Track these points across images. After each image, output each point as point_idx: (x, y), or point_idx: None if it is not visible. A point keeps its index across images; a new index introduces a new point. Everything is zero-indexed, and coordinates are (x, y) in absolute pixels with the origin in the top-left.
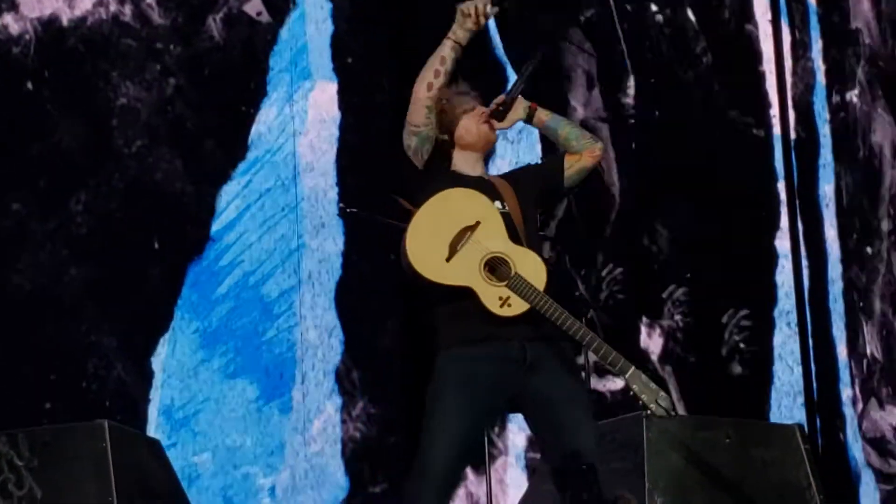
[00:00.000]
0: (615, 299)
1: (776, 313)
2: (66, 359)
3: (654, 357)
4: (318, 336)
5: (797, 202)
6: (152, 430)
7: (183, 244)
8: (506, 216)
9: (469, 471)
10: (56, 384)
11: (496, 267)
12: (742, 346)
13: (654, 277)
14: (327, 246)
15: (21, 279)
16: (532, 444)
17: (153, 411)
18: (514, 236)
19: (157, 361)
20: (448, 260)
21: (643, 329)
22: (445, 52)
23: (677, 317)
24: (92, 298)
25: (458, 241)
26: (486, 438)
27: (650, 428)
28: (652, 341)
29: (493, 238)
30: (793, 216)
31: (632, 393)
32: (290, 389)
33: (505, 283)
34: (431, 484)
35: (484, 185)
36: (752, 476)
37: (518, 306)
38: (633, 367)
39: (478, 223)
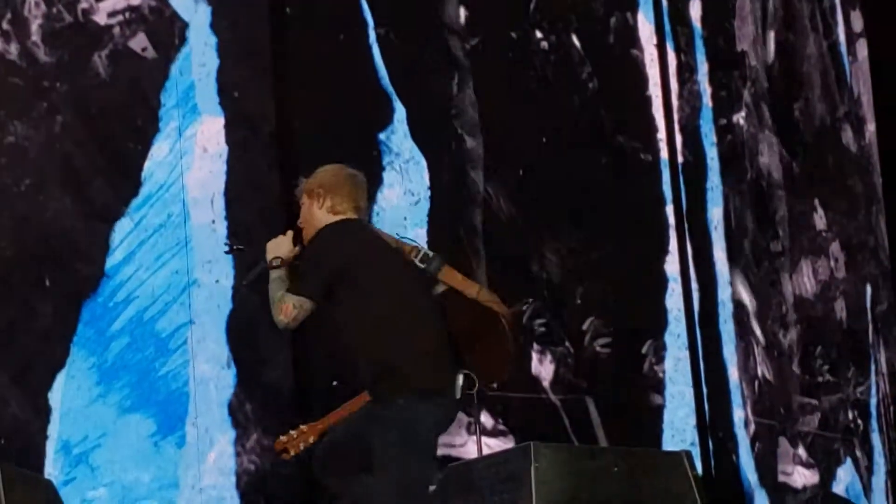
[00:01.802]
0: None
1: (667, 336)
2: None
3: (546, 384)
4: (211, 370)
5: (686, 226)
6: (49, 466)
7: (77, 281)
8: None
9: None
10: None
11: None
12: (633, 371)
13: (544, 304)
14: (217, 281)
15: None
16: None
17: (50, 447)
18: None
19: (54, 397)
20: None
21: (534, 356)
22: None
23: (568, 343)
24: None
25: None
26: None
27: (538, 458)
28: (543, 368)
29: None
30: (682, 240)
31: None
32: (185, 424)
33: None
34: None
35: None
36: None
37: None
38: None
39: None
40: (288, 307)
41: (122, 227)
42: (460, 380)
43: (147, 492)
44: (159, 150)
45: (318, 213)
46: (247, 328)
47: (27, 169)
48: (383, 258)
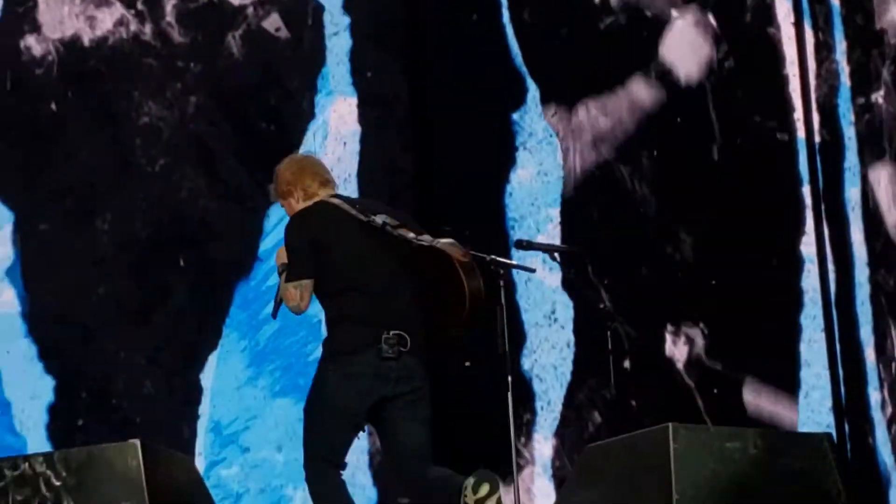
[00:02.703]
0: (639, 309)
1: (802, 318)
2: (95, 376)
3: (680, 365)
4: None
5: (822, 206)
6: (200, 447)
7: (212, 262)
8: None
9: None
10: (87, 400)
11: None
12: (769, 352)
13: (678, 285)
14: None
15: (50, 299)
16: (559, 453)
17: (201, 428)
18: None
19: (206, 378)
20: None
21: (668, 338)
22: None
23: (702, 324)
24: (119, 317)
25: None
26: (513, 449)
27: (677, 439)
28: (677, 349)
29: None
30: (818, 220)
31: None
32: None
33: None
34: None
35: None
36: (780, 486)
37: None
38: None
39: None
40: (291, 293)
41: (277, 212)
42: (386, 340)
43: (295, 474)
44: (295, 132)
45: (298, 206)
46: None
47: (161, 149)
48: (339, 233)
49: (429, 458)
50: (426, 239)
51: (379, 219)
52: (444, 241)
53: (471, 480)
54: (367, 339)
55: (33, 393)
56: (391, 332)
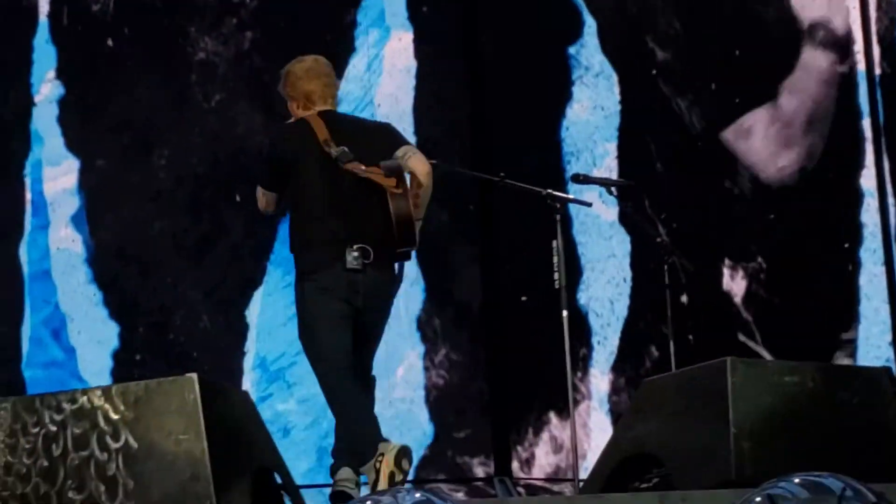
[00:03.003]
0: (697, 243)
1: (862, 252)
2: (153, 312)
3: (738, 300)
4: (401, 286)
5: (882, 139)
6: (247, 382)
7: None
8: None
9: (552, 415)
10: (145, 336)
11: None
12: (827, 286)
13: (736, 219)
14: None
15: (107, 234)
16: (615, 388)
17: (248, 364)
18: None
19: (251, 314)
20: None
21: (726, 272)
22: None
23: (760, 258)
24: (176, 252)
25: None
26: (569, 383)
27: (735, 373)
28: (735, 284)
29: None
30: (878, 154)
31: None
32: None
33: None
34: None
35: None
36: (838, 420)
37: None
38: None
39: None
40: (259, 197)
41: None
42: (350, 253)
43: None
44: (350, 67)
45: (296, 113)
46: (435, 244)
47: (217, 85)
48: (309, 156)
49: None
50: (371, 170)
51: (335, 151)
52: (387, 163)
53: (396, 447)
54: (332, 255)
55: (99, 338)
56: (354, 246)
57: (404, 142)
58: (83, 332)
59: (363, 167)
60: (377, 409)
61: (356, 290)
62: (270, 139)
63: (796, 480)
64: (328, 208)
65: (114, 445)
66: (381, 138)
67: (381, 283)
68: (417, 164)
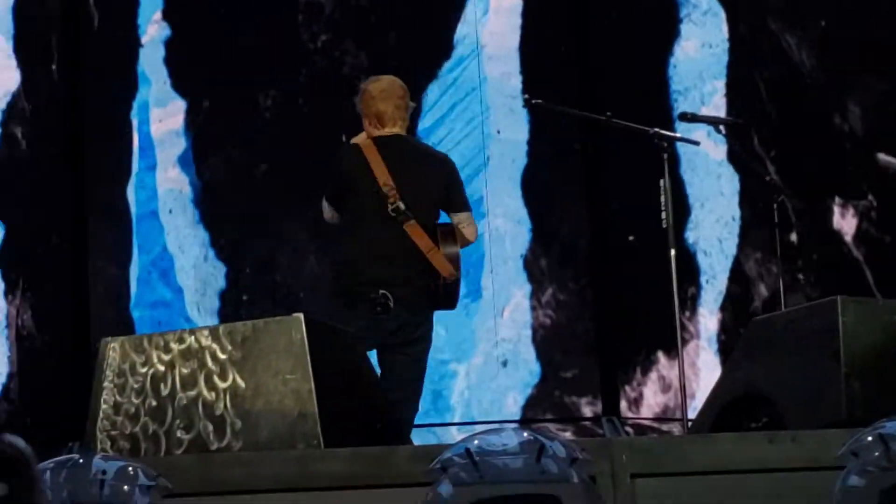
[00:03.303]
0: (806, 181)
1: None
2: (258, 253)
3: (848, 238)
4: (506, 224)
5: None
6: None
7: None
8: None
9: (661, 354)
10: (250, 277)
11: None
12: None
13: (846, 157)
14: (512, 134)
15: (212, 176)
16: (724, 327)
17: None
18: None
19: None
20: None
21: (836, 210)
22: None
23: (871, 196)
24: (282, 192)
25: None
26: (677, 323)
27: (846, 312)
28: (845, 222)
29: None
30: None
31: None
32: (478, 277)
33: None
34: None
35: None
36: None
37: None
38: None
39: None
40: (324, 206)
41: (434, 89)
42: (373, 297)
43: (444, 344)
44: (454, 7)
45: (368, 129)
46: (541, 183)
47: (323, 25)
48: (360, 183)
49: (412, 395)
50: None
51: (392, 206)
52: (448, 252)
53: None
54: (360, 291)
55: (205, 279)
56: (379, 292)
57: (460, 196)
58: (190, 273)
59: (424, 237)
60: (485, 349)
61: (381, 329)
62: (341, 153)
63: None
64: (366, 239)
65: (221, 385)
66: (436, 178)
67: (408, 319)
68: (469, 237)
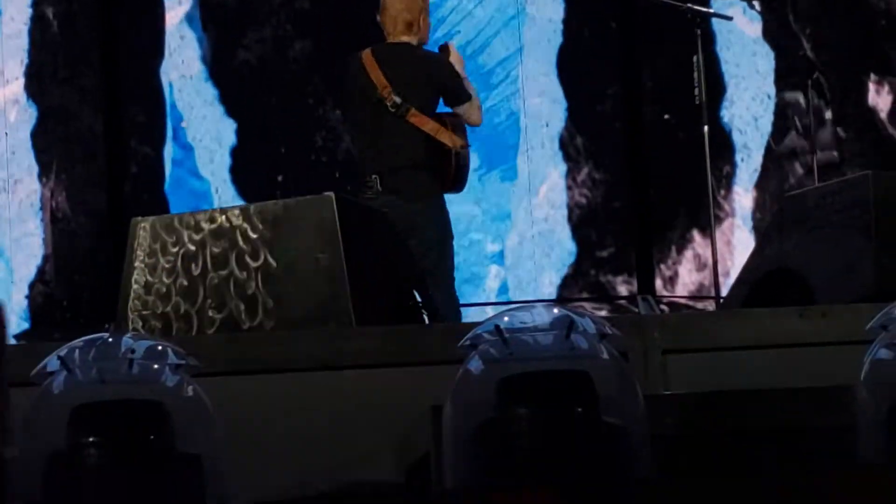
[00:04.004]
0: (842, 58)
1: None
2: (294, 132)
3: (883, 115)
4: (541, 104)
5: None
6: None
7: None
8: None
9: (695, 232)
10: (286, 157)
11: None
12: None
13: (881, 33)
14: (547, 13)
15: (247, 55)
16: (759, 204)
17: None
18: None
19: None
20: None
21: (871, 87)
22: None
23: None
24: (317, 72)
25: None
26: (710, 199)
27: (877, 187)
28: (881, 98)
29: None
30: None
31: None
32: (513, 157)
33: None
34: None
35: None
36: None
37: None
38: None
39: None
40: None
41: None
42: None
43: (479, 224)
44: None
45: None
46: (577, 61)
47: None
48: (362, 91)
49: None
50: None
51: (391, 101)
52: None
53: None
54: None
55: (217, 136)
56: (372, 177)
57: (458, 89)
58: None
59: (429, 122)
60: (521, 229)
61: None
62: (341, 67)
63: None
64: (368, 132)
65: (253, 264)
66: (429, 77)
67: (411, 212)
68: (474, 123)
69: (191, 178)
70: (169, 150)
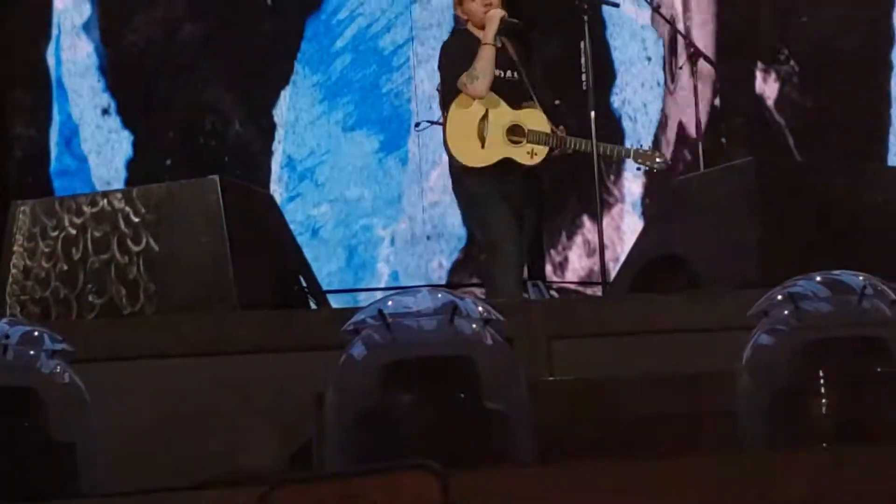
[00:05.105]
0: (730, 46)
1: (894, 55)
2: (183, 115)
3: (770, 103)
4: (433, 88)
5: None
6: (274, 184)
7: None
8: (513, 82)
9: (585, 218)
10: (175, 141)
11: (515, 132)
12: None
13: (767, 23)
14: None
15: (135, 37)
16: (648, 190)
17: (275, 164)
18: (523, 97)
19: (279, 115)
20: (483, 147)
21: (758, 75)
22: (491, 56)
23: (793, 62)
24: (206, 55)
25: (481, 131)
26: (597, 186)
27: (760, 173)
28: (767, 87)
29: (502, 115)
30: None
31: (637, 168)
32: (407, 141)
33: (524, 139)
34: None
35: (499, 52)
36: (865, 218)
37: (541, 152)
38: (631, 148)
39: (486, 111)
40: None
41: None
42: None
43: (371, 208)
44: None
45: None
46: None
47: None
48: None
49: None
50: None
51: None
52: None
53: None
54: None
55: (114, 145)
56: None
57: (443, 77)
58: (95, 141)
59: None
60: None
61: None
62: None
63: (817, 279)
64: None
65: (135, 248)
66: None
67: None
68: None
69: (77, 161)
70: (55, 134)
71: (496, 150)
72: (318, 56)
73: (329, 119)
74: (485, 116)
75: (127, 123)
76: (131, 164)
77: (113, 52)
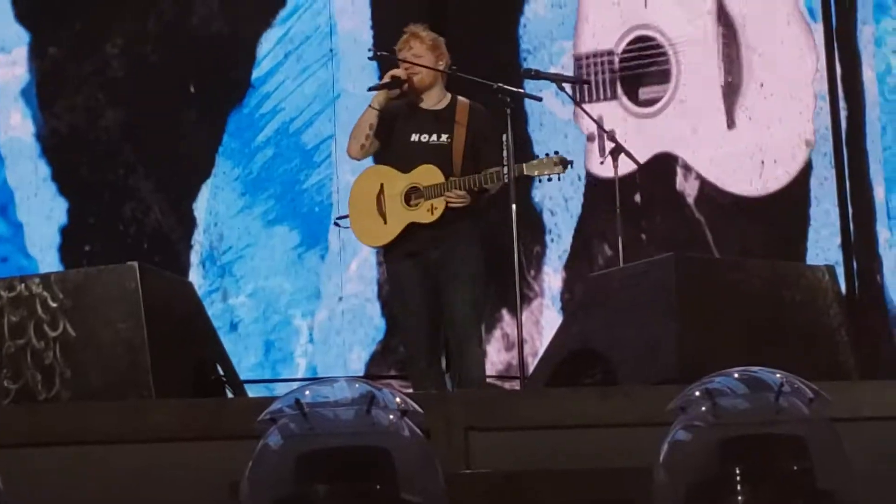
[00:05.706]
0: (651, 143)
1: (813, 155)
2: (103, 202)
3: (690, 200)
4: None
5: (835, 44)
6: (194, 275)
7: (223, 91)
8: (436, 147)
9: (505, 312)
10: (94, 227)
11: (412, 195)
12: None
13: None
14: (362, 91)
15: (57, 123)
16: (567, 285)
17: (195, 257)
18: (444, 162)
19: (199, 208)
20: (386, 223)
21: (679, 171)
22: (372, 120)
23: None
24: (128, 142)
25: (380, 207)
26: (516, 280)
27: (680, 269)
28: (688, 184)
29: (396, 184)
30: (830, 58)
31: (539, 179)
32: (326, 232)
33: (422, 199)
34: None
35: (438, 115)
36: (783, 317)
37: (440, 204)
38: (523, 164)
39: (381, 185)
40: None
41: (270, 38)
42: None
43: (290, 301)
44: None
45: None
46: None
47: None
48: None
49: None
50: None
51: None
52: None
53: None
54: None
55: (48, 214)
56: None
57: None
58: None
59: None
60: (332, 308)
61: None
62: None
63: (735, 375)
64: None
65: (51, 334)
66: None
67: None
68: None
69: (13, 228)
70: None
71: (397, 219)
72: (240, 150)
73: (250, 213)
74: (381, 191)
75: (62, 191)
76: (66, 231)
77: (47, 124)
